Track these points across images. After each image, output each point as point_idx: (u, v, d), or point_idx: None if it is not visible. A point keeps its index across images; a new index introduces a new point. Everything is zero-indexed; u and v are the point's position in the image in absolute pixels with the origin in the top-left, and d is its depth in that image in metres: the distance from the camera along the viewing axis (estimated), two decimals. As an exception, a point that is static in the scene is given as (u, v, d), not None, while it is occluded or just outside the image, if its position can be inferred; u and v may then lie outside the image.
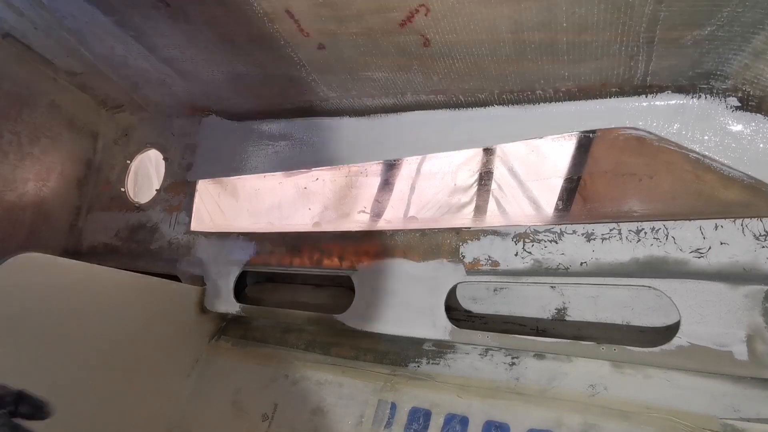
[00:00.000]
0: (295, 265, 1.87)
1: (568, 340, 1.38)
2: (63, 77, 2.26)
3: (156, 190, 2.32)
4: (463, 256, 1.55)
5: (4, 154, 2.10)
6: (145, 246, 2.23)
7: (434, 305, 1.55)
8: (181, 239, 2.15)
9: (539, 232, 1.45)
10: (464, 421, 1.45)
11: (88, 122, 2.45)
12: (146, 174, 2.52)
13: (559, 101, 1.51)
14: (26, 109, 2.16)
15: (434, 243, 1.61)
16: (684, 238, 1.27)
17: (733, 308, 1.19)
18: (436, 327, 1.54)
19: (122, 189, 2.41)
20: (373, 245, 1.72)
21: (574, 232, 1.40)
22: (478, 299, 1.75)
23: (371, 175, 1.93)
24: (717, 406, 1.23)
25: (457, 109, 1.68)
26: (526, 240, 1.46)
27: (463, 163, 1.75)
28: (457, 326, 1.52)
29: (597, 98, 1.45)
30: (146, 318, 1.76)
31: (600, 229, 1.37)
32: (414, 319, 1.58)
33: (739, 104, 1.25)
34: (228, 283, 1.97)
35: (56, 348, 1.45)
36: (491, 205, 1.69)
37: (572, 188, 1.51)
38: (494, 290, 1.73)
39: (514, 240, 1.48)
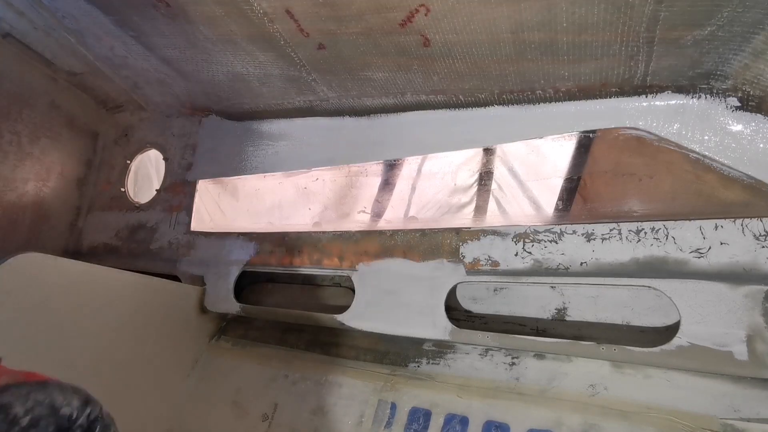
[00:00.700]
0: (295, 265, 1.87)
1: (568, 340, 1.38)
2: (63, 77, 2.26)
3: (156, 190, 2.32)
4: (463, 256, 1.55)
5: (4, 154, 2.10)
6: (145, 246, 2.23)
7: (434, 305, 1.55)
8: (181, 239, 2.15)
9: (539, 232, 1.45)
10: (464, 421, 1.44)
11: (88, 122, 2.45)
12: (146, 174, 2.52)
13: (559, 101, 1.51)
14: (26, 109, 2.16)
15: (434, 243, 1.61)
16: (684, 238, 1.27)
17: (733, 308, 1.19)
18: (436, 327, 1.54)
19: (122, 189, 2.41)
20: (373, 245, 1.72)
21: (574, 232, 1.40)
22: (478, 299, 1.75)
23: (371, 175, 1.93)
24: (717, 406, 1.23)
25: (457, 109, 1.68)
26: (526, 240, 1.46)
27: (463, 163, 1.75)
28: (457, 326, 1.52)
29: (597, 98, 1.45)
30: (146, 318, 1.76)
31: (600, 229, 1.37)
32: (414, 319, 1.58)
33: (739, 104, 1.25)
34: (228, 283, 1.97)
35: (56, 348, 1.44)
36: (491, 205, 1.69)
37: (572, 188, 1.51)
38: (494, 290, 1.73)
39: (514, 240, 1.48)
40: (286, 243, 1.91)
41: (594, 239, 1.37)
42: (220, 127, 2.23)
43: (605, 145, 1.46)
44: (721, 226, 1.24)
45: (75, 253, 2.42)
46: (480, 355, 1.57)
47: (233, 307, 1.94)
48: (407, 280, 1.62)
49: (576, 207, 1.49)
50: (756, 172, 1.23)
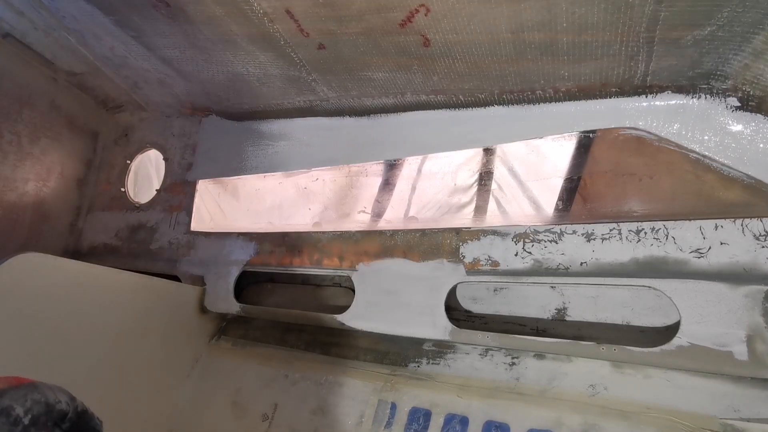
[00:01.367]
0: (295, 265, 1.87)
1: (568, 340, 1.38)
2: (63, 77, 2.26)
3: (156, 190, 2.32)
4: (463, 256, 1.55)
5: (4, 154, 2.10)
6: (145, 246, 2.23)
7: (434, 305, 1.55)
8: (181, 239, 2.15)
9: (539, 232, 1.45)
10: (464, 421, 1.44)
11: (88, 122, 2.45)
12: (146, 174, 2.52)
13: (559, 101, 1.51)
14: (26, 109, 2.16)
15: (434, 243, 1.61)
16: (684, 238, 1.27)
17: (733, 308, 1.19)
18: (436, 327, 1.54)
19: (122, 189, 2.41)
20: (373, 245, 1.72)
21: (574, 232, 1.40)
22: (478, 299, 1.75)
23: (371, 175, 1.93)
24: (717, 406, 1.23)
25: (457, 109, 1.68)
26: (526, 240, 1.46)
27: (463, 163, 1.75)
28: (457, 326, 1.52)
29: (597, 98, 1.45)
30: (146, 318, 1.76)
31: (600, 229, 1.37)
32: (414, 319, 1.58)
33: (739, 104, 1.25)
34: (228, 283, 1.97)
35: (56, 347, 1.45)
36: (491, 205, 1.68)
37: (572, 188, 1.51)
38: (494, 290, 1.73)
39: (514, 240, 1.48)
40: (286, 243, 1.91)
41: (594, 239, 1.38)
42: (220, 127, 2.23)
43: (605, 145, 1.46)
44: (721, 226, 1.24)
45: (75, 253, 2.42)
46: (480, 355, 1.57)
47: (233, 307, 1.94)
48: (407, 280, 1.62)
49: (576, 207, 1.49)
50: (756, 172, 1.23)
